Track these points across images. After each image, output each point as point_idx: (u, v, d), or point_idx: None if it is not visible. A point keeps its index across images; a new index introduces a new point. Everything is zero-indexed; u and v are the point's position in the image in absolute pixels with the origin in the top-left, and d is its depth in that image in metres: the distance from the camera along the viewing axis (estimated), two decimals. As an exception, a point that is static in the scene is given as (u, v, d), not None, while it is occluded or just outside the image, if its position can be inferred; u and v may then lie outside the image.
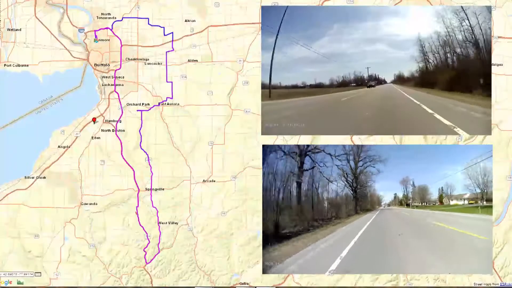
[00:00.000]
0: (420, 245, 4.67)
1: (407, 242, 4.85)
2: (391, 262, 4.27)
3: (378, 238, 5.31)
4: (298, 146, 4.73)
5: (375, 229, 5.91)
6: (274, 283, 4.62)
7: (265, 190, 4.25)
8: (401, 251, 4.49)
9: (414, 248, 4.49)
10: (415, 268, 4.15)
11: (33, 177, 4.63)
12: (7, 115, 4.63)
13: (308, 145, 4.40)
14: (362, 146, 5.43)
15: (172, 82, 4.62)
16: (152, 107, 4.62)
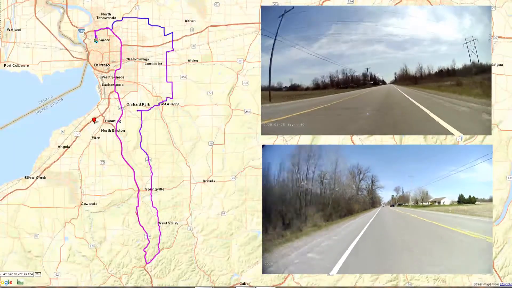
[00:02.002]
0: (394, 216, 10.23)
1: (389, 215, 10.36)
2: (386, 218, 9.24)
3: (383, 212, 11.30)
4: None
5: (381, 212, 11.66)
6: (274, 283, 4.62)
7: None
8: (388, 217, 9.83)
9: (389, 215, 10.60)
10: (389, 217, 9.84)
11: (33, 177, 4.63)
12: (7, 115, 4.63)
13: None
14: (374, 180, 10.99)
15: (172, 82, 4.62)
16: (152, 107, 4.63)
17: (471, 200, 12.52)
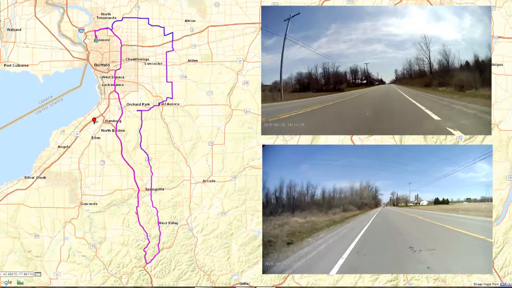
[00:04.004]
0: (390, 212, 12.90)
1: (388, 212, 12.92)
2: (387, 213, 12.16)
3: (384, 210, 14.12)
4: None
5: (382, 209, 14.69)
6: (274, 283, 4.62)
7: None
8: (384, 209, 14.68)
9: (388, 211, 13.53)
10: (385, 209, 15.24)
11: (33, 177, 4.63)
12: (7, 115, 4.63)
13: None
14: (376, 189, 15.00)
15: (172, 82, 4.62)
16: (152, 107, 4.63)
17: (444, 202, 15.88)
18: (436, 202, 16.54)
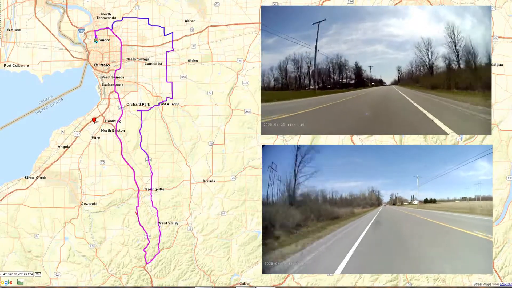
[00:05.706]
0: (389, 209, 15.70)
1: (387, 209, 15.72)
2: (388, 210, 14.34)
3: (385, 208, 16.04)
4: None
5: (384, 207, 16.53)
6: (274, 283, 4.62)
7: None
8: (387, 209, 15.70)
9: (387, 208, 16.36)
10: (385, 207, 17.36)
11: (33, 177, 4.63)
12: (7, 115, 4.63)
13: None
14: (379, 192, 16.55)
15: (172, 82, 4.62)
16: (152, 107, 4.63)
17: (432, 201, 18.21)
18: (426, 201, 19.11)
